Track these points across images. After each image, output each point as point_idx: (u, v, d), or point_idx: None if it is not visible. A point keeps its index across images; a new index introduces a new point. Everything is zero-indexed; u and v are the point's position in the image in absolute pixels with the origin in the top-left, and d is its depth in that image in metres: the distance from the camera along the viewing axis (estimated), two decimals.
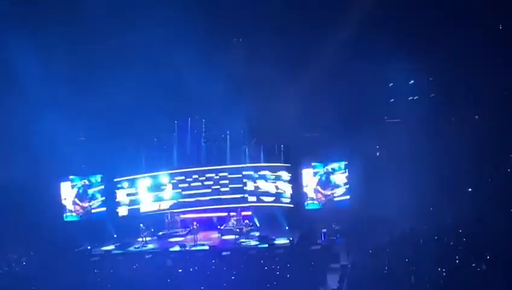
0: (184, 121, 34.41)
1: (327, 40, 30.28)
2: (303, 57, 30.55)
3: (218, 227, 33.28)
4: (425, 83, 28.98)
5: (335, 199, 32.74)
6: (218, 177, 34.49)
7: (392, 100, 32.15)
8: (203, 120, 34.25)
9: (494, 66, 28.82)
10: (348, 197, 32.58)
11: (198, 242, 31.35)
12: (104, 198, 34.65)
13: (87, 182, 34.67)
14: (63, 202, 34.38)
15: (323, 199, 33.03)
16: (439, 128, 31.57)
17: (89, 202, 34.60)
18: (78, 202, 34.60)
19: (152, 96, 31.24)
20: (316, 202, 33.04)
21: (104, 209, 34.62)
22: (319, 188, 33.09)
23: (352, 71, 29.84)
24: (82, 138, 34.69)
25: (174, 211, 34.50)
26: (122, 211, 34.37)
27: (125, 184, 34.47)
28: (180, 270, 25.65)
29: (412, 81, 30.14)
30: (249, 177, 34.24)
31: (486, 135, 29.17)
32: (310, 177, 33.06)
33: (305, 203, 33.09)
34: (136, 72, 30.61)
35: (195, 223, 32.40)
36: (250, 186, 34.28)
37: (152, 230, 32.57)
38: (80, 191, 34.61)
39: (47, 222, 32.11)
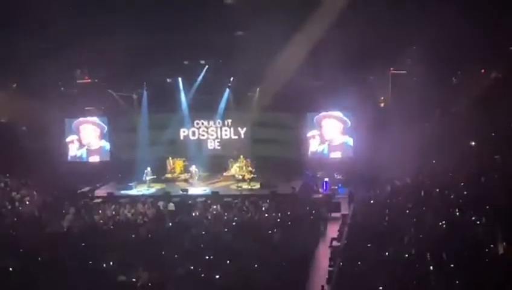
0: (189, 66, 34.22)
1: None
2: (307, 4, 30.06)
3: (223, 173, 33.49)
4: (431, 35, 28.57)
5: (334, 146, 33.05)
6: (221, 124, 34.76)
7: (398, 51, 31.80)
8: (207, 66, 34.09)
9: (502, 19, 28.47)
10: (350, 146, 32.74)
11: (201, 187, 31.60)
12: (107, 141, 34.83)
13: (91, 124, 34.78)
14: (67, 142, 34.57)
15: (320, 150, 33.25)
16: (445, 81, 31.37)
17: (92, 143, 34.76)
18: (81, 143, 34.76)
19: (156, 40, 30.95)
20: (316, 150, 33.22)
21: (107, 150, 34.88)
22: (319, 137, 33.19)
23: (358, 19, 29.40)
24: (87, 80, 34.56)
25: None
26: (125, 152, 34.53)
27: (128, 126, 34.58)
28: (182, 215, 25.90)
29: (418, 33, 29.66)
30: (253, 124, 34.35)
31: (492, 89, 29.04)
32: (312, 126, 33.14)
33: (308, 152, 33.27)
34: (141, 15, 30.25)
35: (194, 166, 32.64)
36: (253, 133, 34.42)
37: (155, 176, 32.71)
38: (85, 132, 34.74)
39: (50, 162, 32.36)
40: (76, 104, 34.49)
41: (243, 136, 34.76)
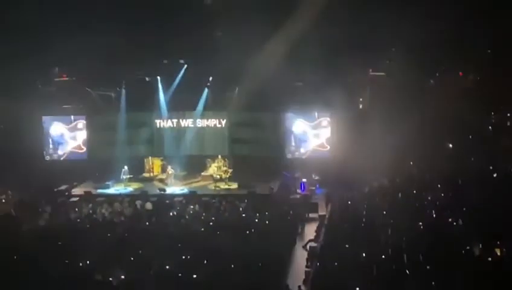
0: (168, 65, 34.10)
1: None
2: (286, 4, 30.13)
3: (201, 173, 33.35)
4: (410, 37, 28.80)
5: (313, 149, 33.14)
6: (199, 124, 34.65)
7: (376, 53, 31.97)
8: (186, 65, 33.98)
9: (480, 23, 28.78)
10: (327, 148, 32.82)
11: (178, 186, 31.48)
12: (86, 138, 34.48)
13: (69, 123, 34.46)
14: (45, 141, 34.23)
15: (299, 151, 33.35)
16: (423, 83, 31.62)
17: (69, 142, 34.45)
18: (59, 141, 34.43)
19: (136, 39, 30.82)
20: (293, 154, 33.35)
21: (84, 149, 34.51)
22: (295, 137, 33.31)
23: (337, 20, 29.52)
24: (65, 78, 34.25)
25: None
26: (102, 150, 34.25)
27: (106, 125, 34.36)
28: (159, 215, 25.75)
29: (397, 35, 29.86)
30: (231, 124, 34.33)
31: (469, 92, 29.35)
32: (289, 127, 33.25)
33: (286, 152, 33.34)
34: (121, 14, 30.12)
35: (171, 166, 32.48)
36: (232, 133, 34.40)
37: (132, 175, 32.52)
38: (62, 131, 34.39)
39: (27, 161, 32.00)
40: (54, 103, 34.11)
41: (221, 135, 34.68)
